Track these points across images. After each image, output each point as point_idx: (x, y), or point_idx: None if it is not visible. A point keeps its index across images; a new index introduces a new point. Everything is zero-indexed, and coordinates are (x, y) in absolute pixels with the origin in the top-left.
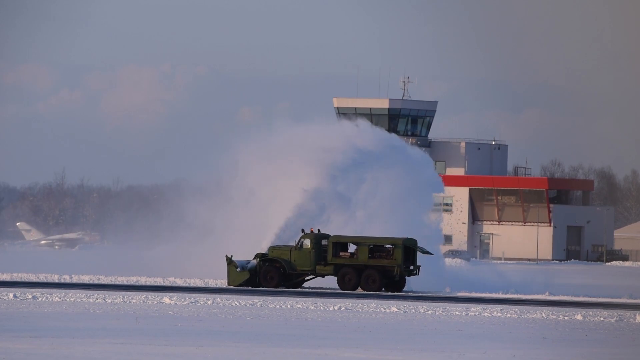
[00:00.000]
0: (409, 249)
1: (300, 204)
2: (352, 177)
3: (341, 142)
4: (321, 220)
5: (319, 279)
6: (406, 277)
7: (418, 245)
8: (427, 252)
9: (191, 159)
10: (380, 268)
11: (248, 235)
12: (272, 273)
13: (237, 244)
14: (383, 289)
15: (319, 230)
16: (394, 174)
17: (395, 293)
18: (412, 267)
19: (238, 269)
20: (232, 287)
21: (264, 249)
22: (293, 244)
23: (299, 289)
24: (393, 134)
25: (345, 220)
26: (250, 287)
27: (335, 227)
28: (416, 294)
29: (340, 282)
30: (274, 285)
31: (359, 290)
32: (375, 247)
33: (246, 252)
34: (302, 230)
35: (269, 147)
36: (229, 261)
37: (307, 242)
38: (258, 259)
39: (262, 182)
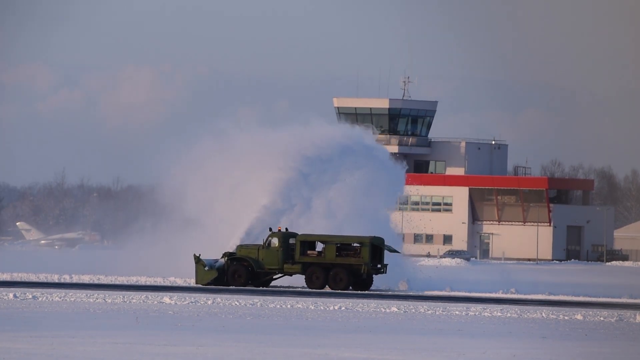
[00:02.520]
0: (376, 248)
1: (267, 204)
2: (317, 176)
3: (306, 142)
4: (288, 219)
5: (287, 277)
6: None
7: (385, 243)
8: (395, 251)
9: (164, 158)
10: (347, 266)
11: (216, 234)
12: (240, 272)
13: (205, 243)
14: (350, 287)
15: (286, 229)
16: (356, 173)
17: (396, 293)
18: (379, 266)
19: (206, 268)
20: (234, 287)
21: (232, 248)
22: (261, 242)
23: (300, 289)
24: (360, 131)
25: (312, 219)
26: (219, 286)
27: (303, 226)
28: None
29: (307, 281)
30: (241, 284)
31: (327, 289)
32: (342, 245)
33: (214, 251)
34: (270, 229)
35: (236, 147)
36: (197, 260)
37: (275, 241)
38: (226, 258)
39: (229, 182)
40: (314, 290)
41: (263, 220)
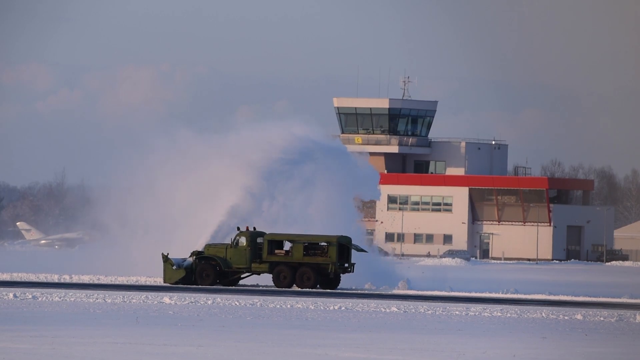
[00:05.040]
0: (343, 247)
1: (235, 203)
2: (285, 176)
3: (274, 141)
4: (256, 218)
5: (254, 276)
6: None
7: (352, 242)
8: (362, 250)
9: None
10: (314, 265)
11: (184, 233)
12: (207, 271)
13: (174, 242)
14: (318, 286)
15: (254, 228)
16: (326, 173)
17: (393, 293)
18: (346, 265)
19: (174, 267)
20: (230, 287)
21: (200, 247)
22: (229, 241)
23: (299, 289)
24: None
25: (280, 218)
26: (187, 285)
27: (271, 225)
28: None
29: (275, 280)
30: (209, 283)
31: (294, 288)
32: (310, 244)
33: (183, 250)
34: (238, 228)
35: (206, 146)
36: (165, 259)
37: (243, 240)
38: (194, 257)
39: (198, 181)
40: (314, 290)
41: (231, 220)
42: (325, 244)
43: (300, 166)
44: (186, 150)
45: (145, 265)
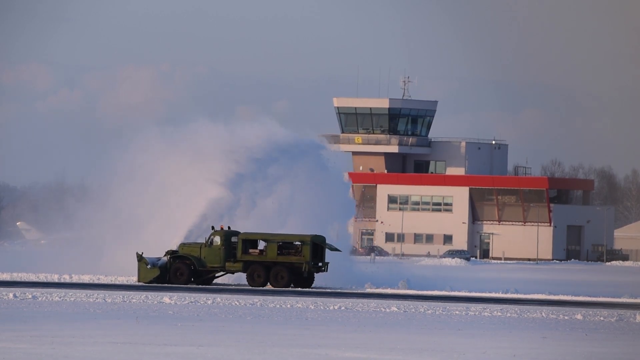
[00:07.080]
0: (317, 246)
1: (211, 202)
2: (261, 175)
3: (250, 142)
4: (231, 217)
5: (228, 275)
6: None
7: (327, 242)
8: (336, 249)
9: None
10: (288, 265)
11: (159, 232)
12: (182, 270)
13: (149, 241)
14: (292, 285)
15: (229, 228)
16: (304, 173)
17: (390, 292)
18: (320, 264)
19: (148, 266)
20: (230, 287)
21: (174, 246)
22: (203, 241)
23: (299, 289)
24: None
25: (255, 217)
26: (161, 284)
27: (246, 224)
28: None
29: (249, 279)
30: (183, 282)
31: (269, 287)
32: (284, 244)
33: (157, 249)
34: (212, 228)
35: (180, 145)
36: (140, 258)
37: (217, 239)
38: (168, 256)
39: (173, 180)
40: (314, 290)
41: (206, 219)
42: (299, 243)
43: (275, 165)
44: (165, 150)
45: (124, 264)
